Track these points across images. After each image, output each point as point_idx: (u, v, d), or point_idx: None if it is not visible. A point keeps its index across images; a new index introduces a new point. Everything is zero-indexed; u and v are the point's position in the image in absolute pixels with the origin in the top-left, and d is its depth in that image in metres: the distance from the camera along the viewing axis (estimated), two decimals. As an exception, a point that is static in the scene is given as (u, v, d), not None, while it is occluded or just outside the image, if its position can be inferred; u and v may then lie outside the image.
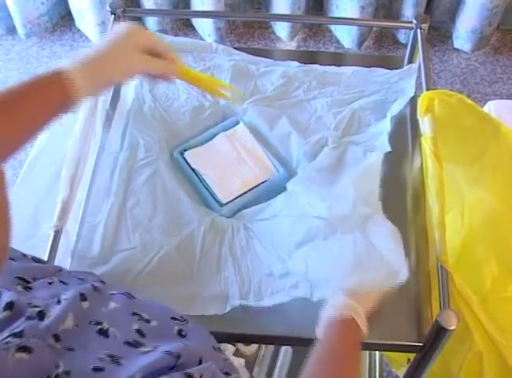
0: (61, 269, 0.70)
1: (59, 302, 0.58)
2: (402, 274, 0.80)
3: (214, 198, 0.98)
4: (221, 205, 0.97)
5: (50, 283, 0.63)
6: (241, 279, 0.89)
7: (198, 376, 0.53)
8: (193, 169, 1.01)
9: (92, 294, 0.62)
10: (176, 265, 0.91)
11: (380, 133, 1.06)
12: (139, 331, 0.59)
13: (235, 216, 0.97)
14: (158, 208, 0.96)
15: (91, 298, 0.61)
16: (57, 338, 0.53)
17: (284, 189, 0.99)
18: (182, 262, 0.91)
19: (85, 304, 0.60)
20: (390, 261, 0.82)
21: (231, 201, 0.98)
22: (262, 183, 1.01)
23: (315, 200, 0.93)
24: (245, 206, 0.98)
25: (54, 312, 0.56)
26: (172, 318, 0.64)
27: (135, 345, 0.56)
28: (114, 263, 0.90)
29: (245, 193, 0.99)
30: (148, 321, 0.61)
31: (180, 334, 0.62)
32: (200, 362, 0.56)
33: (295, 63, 1.18)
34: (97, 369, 0.51)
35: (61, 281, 0.65)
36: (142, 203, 0.97)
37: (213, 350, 0.64)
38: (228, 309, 0.86)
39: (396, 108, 1.10)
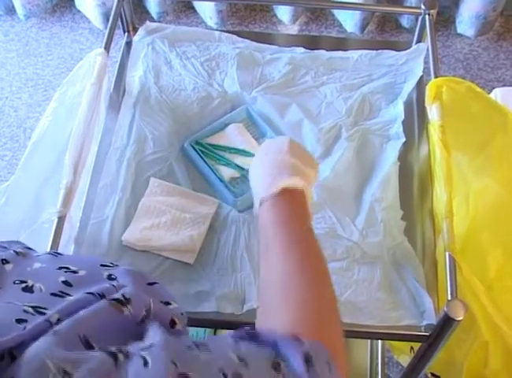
0: None
1: None
2: (428, 315, 0.83)
3: (228, 189, 0.97)
4: (236, 196, 0.96)
5: None
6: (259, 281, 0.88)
7: (124, 299, 0.52)
8: (205, 161, 0.99)
9: (15, 258, 0.61)
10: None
11: (394, 120, 1.05)
12: (65, 283, 0.57)
13: (249, 210, 0.94)
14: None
15: (14, 261, 0.60)
16: None
17: None
18: (196, 260, 0.90)
19: (8, 266, 0.59)
20: (418, 301, 0.86)
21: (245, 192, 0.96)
22: None
23: (344, 219, 0.93)
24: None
25: None
26: (102, 265, 0.62)
27: (61, 295, 0.55)
28: (124, 261, 0.88)
29: None
30: (76, 272, 0.60)
31: (110, 278, 0.60)
32: None
33: (301, 49, 1.17)
34: (20, 321, 0.50)
35: None
36: None
37: (148, 286, 0.62)
38: (245, 309, 0.85)
39: (406, 91, 1.09)
